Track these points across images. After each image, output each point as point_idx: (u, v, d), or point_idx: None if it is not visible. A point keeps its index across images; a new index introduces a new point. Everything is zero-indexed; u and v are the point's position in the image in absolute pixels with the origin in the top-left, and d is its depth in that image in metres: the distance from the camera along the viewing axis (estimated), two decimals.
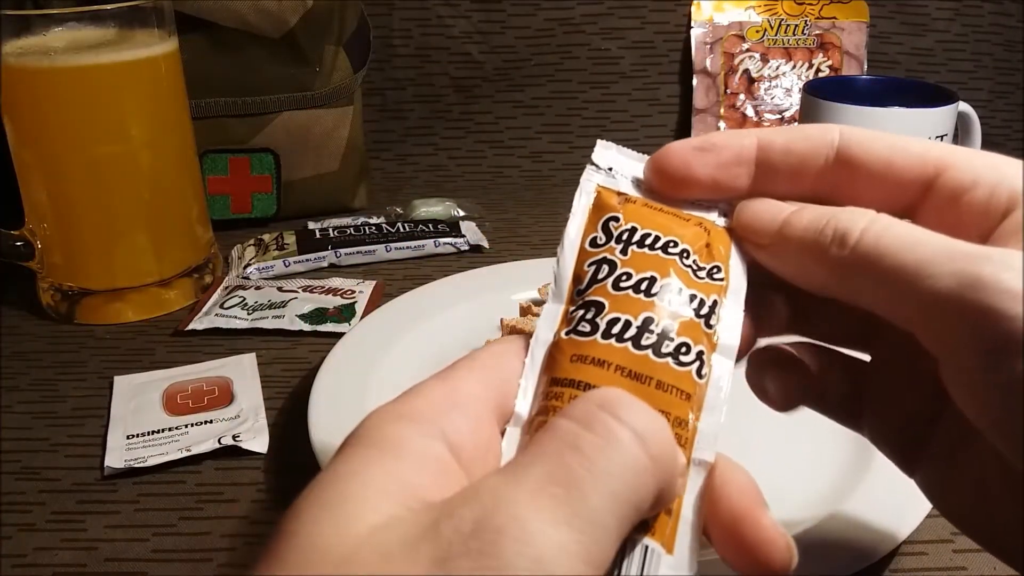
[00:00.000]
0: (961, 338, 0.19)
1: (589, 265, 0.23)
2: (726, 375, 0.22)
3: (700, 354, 0.22)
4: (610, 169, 0.25)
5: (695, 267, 0.23)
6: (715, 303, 0.23)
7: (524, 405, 0.21)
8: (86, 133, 0.51)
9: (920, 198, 0.23)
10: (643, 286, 0.22)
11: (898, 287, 0.20)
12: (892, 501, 0.34)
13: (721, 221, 0.25)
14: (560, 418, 0.18)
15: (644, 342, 0.21)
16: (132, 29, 0.52)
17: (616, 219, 0.23)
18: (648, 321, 0.21)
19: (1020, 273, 0.18)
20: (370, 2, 0.78)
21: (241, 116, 0.65)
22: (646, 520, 0.20)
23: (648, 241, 0.23)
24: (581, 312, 0.22)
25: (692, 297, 0.22)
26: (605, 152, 0.26)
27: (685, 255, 0.23)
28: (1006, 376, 0.18)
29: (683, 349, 0.21)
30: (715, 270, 0.23)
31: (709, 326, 0.22)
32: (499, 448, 0.20)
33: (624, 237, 0.23)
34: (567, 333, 0.22)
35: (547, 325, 0.22)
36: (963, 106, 0.60)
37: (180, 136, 0.56)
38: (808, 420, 0.37)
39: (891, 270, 0.20)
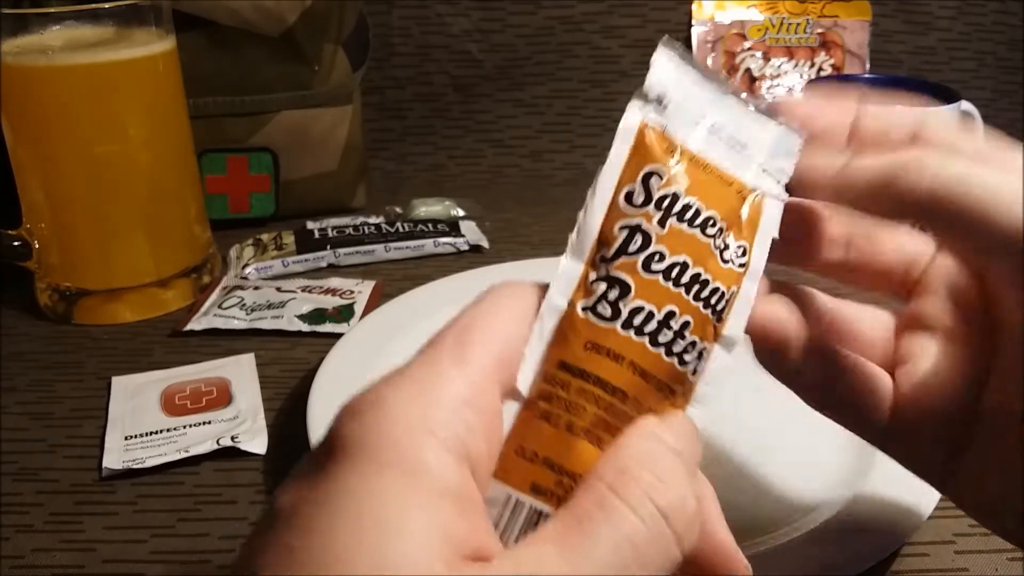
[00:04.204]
0: None
1: (621, 229, 0.21)
2: (722, 370, 0.21)
3: (702, 352, 0.21)
4: (660, 101, 0.22)
5: (724, 247, 0.21)
6: (732, 295, 0.22)
7: (525, 381, 0.20)
8: (84, 132, 0.51)
9: None
10: (674, 273, 0.21)
11: (975, 240, 0.21)
12: (894, 502, 0.33)
13: (766, 183, 0.23)
14: (617, 502, 0.18)
15: (661, 339, 0.20)
16: (130, 27, 0.52)
17: (659, 175, 0.21)
18: (670, 316, 0.20)
19: None
20: (369, 0, 0.77)
21: (239, 115, 0.65)
22: None
23: (688, 215, 0.21)
24: (604, 287, 0.20)
25: (714, 291, 0.21)
26: (663, 68, 0.22)
27: (719, 234, 0.21)
28: None
29: (689, 348, 0.21)
30: (741, 252, 0.22)
31: (720, 320, 0.21)
32: (501, 427, 0.19)
33: (665, 204, 0.21)
34: (584, 310, 0.20)
35: (562, 289, 0.21)
36: (966, 105, 0.60)
37: (178, 135, 0.56)
38: (809, 422, 0.37)
39: (969, 225, 0.20)
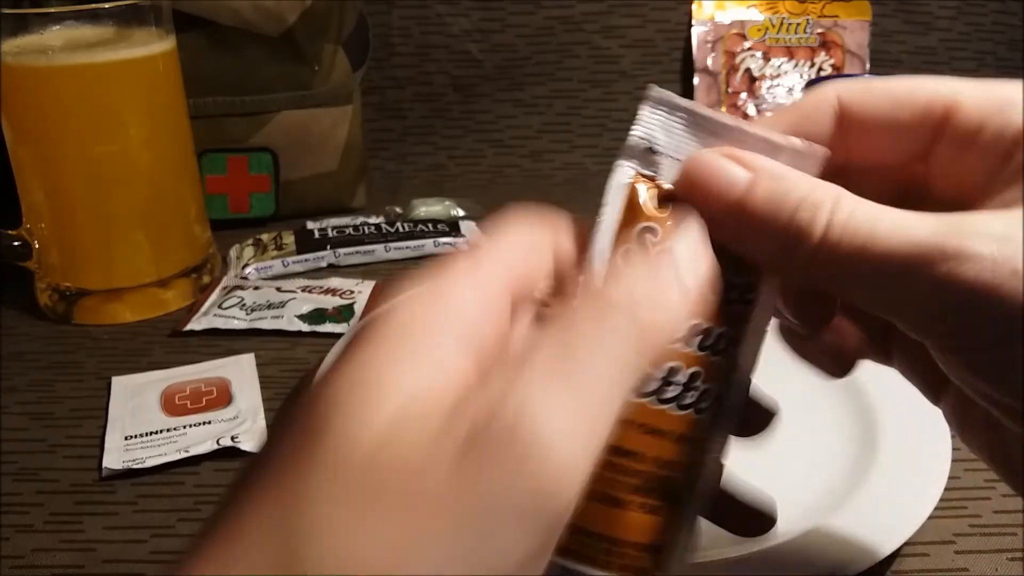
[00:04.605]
0: (932, 325, 0.20)
1: None
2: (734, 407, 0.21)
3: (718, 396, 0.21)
4: (649, 151, 0.21)
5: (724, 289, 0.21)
6: (738, 336, 0.21)
7: None
8: (84, 132, 0.51)
9: (931, 143, 0.23)
10: None
11: (868, 285, 0.20)
12: (894, 502, 0.33)
13: None
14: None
15: (668, 395, 0.20)
16: (130, 27, 0.52)
17: (652, 231, 0.21)
18: (674, 371, 0.20)
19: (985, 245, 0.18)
20: (369, 0, 0.77)
21: (239, 115, 0.65)
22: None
23: None
24: None
25: (720, 336, 0.21)
26: (651, 117, 0.21)
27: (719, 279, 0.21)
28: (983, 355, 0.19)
29: (704, 397, 0.21)
30: (745, 289, 0.21)
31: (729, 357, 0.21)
32: (509, 340, 0.20)
33: None
34: None
35: None
36: None
37: (178, 135, 0.56)
38: (810, 421, 0.37)
39: (857, 270, 0.20)
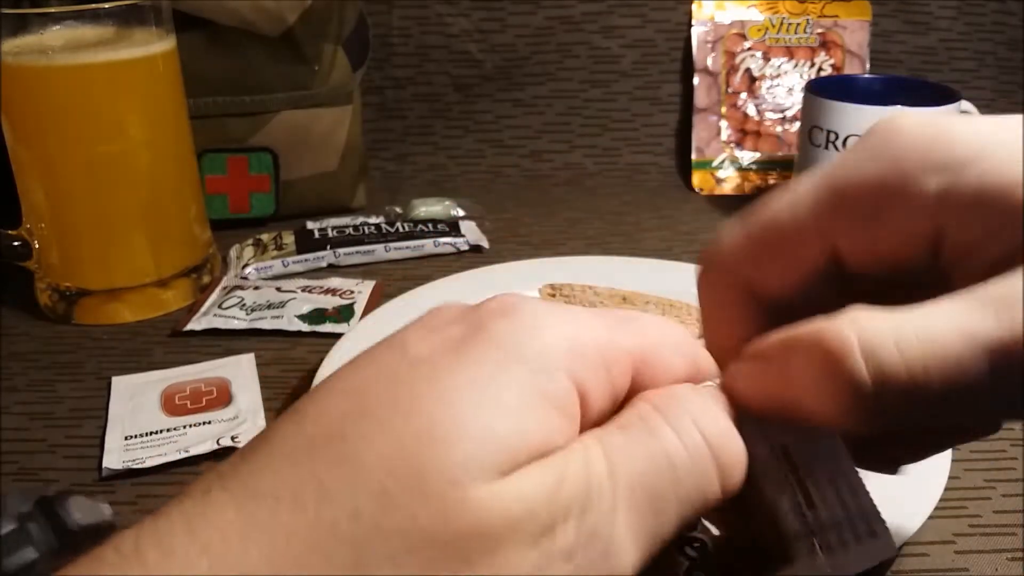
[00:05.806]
0: None
1: None
2: None
3: None
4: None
5: None
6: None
7: None
8: (84, 132, 0.51)
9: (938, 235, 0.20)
10: None
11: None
12: (894, 502, 0.33)
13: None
14: (659, 420, 0.18)
15: None
16: (130, 27, 0.52)
17: None
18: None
19: None
20: (369, 0, 0.77)
21: (239, 115, 0.65)
22: None
23: None
24: None
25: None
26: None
27: None
28: None
29: None
30: None
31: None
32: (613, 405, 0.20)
33: None
34: None
35: None
36: (965, 105, 0.60)
37: (178, 135, 0.56)
38: None
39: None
